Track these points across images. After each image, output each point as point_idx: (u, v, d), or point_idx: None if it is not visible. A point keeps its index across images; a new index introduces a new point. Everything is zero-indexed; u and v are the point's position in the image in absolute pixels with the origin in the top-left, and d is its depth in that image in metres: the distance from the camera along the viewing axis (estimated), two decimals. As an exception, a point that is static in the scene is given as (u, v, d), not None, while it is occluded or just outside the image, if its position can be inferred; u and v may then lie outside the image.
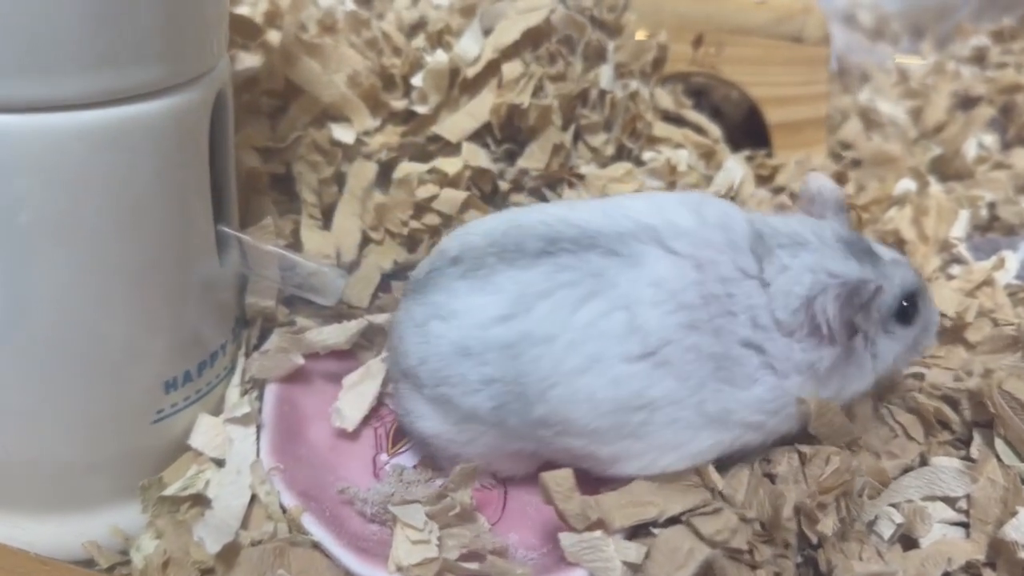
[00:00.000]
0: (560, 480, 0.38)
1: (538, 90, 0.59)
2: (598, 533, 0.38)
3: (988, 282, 0.53)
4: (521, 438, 0.42)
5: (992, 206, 0.68)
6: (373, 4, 0.68)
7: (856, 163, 0.74)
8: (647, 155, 0.64)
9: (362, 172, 0.57)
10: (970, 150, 0.73)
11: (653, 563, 0.36)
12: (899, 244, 0.56)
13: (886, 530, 0.42)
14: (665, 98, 0.70)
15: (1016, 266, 0.56)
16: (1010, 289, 0.54)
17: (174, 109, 0.40)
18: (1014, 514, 0.42)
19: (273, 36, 0.58)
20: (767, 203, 0.61)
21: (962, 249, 0.56)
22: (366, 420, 0.49)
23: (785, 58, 0.70)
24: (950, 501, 0.44)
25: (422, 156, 0.59)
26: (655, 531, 0.39)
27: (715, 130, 0.68)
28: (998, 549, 0.42)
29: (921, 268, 0.54)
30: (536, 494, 0.41)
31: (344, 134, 0.57)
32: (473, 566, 0.38)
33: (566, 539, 0.38)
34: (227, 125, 0.47)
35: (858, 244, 0.42)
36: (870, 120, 0.77)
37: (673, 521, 0.39)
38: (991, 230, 0.68)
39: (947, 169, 0.74)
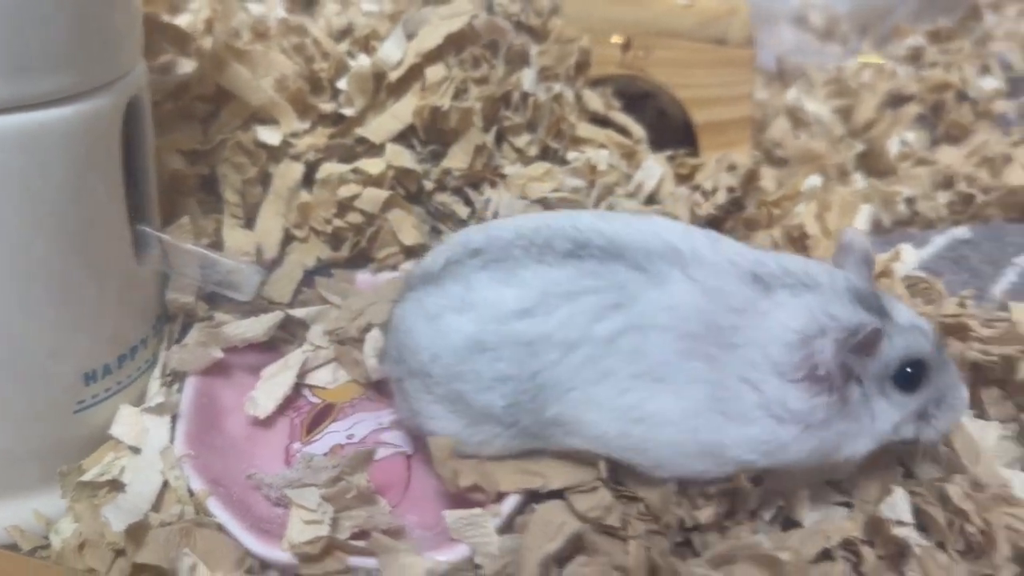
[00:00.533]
0: (442, 445, 0.41)
1: (461, 93, 0.61)
2: (478, 510, 0.40)
3: (886, 273, 0.55)
4: (534, 437, 0.42)
5: (911, 201, 0.70)
6: (309, 10, 0.70)
7: (783, 161, 0.76)
8: (571, 155, 0.66)
9: (288, 173, 0.59)
10: (893, 147, 0.76)
11: (529, 535, 0.39)
12: (803, 238, 0.59)
13: (767, 511, 0.45)
14: (595, 100, 0.72)
15: (914, 259, 0.58)
16: (909, 280, 0.56)
17: (84, 115, 0.42)
18: (889, 493, 0.44)
19: (205, 42, 0.60)
20: (685, 200, 0.63)
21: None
22: (283, 411, 0.52)
23: (710, 60, 0.73)
24: (834, 483, 0.47)
25: (350, 157, 0.61)
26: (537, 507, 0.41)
27: (639, 131, 0.70)
28: (876, 527, 0.44)
29: (823, 260, 0.56)
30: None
31: (270, 136, 0.59)
32: (359, 543, 0.40)
33: (449, 516, 0.40)
34: (144, 130, 0.49)
35: (870, 298, 0.41)
36: (798, 119, 0.80)
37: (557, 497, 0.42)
38: (912, 224, 0.71)
39: (874, 166, 0.76)
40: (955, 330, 0.51)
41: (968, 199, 0.68)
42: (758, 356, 0.39)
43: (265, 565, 0.42)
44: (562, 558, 0.39)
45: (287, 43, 0.63)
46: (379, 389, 0.53)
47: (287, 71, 0.61)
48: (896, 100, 0.86)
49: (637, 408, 0.40)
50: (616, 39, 0.72)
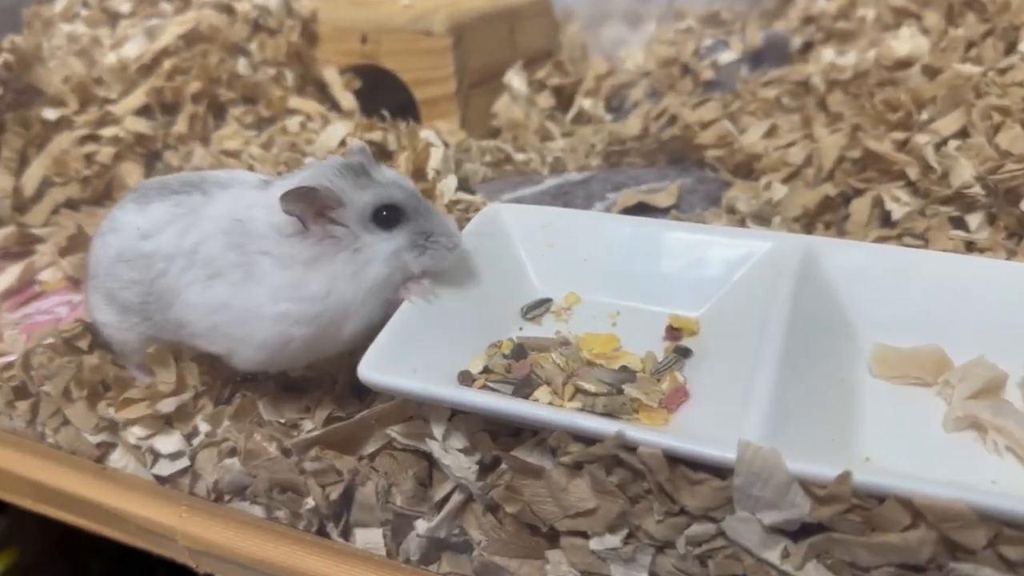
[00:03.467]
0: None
1: (180, 75, 0.84)
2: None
3: (434, 195, 0.72)
4: (168, 332, 0.55)
5: (558, 160, 0.85)
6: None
7: (497, 130, 0.93)
8: (284, 122, 0.87)
9: (65, 139, 0.84)
10: (571, 114, 0.91)
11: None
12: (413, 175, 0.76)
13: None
14: (337, 83, 0.93)
15: (453, 186, 0.74)
16: (459, 203, 0.72)
17: None
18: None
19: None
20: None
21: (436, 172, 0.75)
22: (12, 295, 0.76)
23: (421, 49, 0.91)
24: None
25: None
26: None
27: (350, 105, 0.90)
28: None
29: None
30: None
31: (51, 114, 0.84)
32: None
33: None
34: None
35: (355, 168, 0.51)
36: (513, 95, 0.95)
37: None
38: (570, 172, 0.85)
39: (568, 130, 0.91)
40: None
41: (591, 148, 0.83)
42: (264, 228, 0.50)
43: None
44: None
45: (79, 48, 0.89)
46: (76, 283, 0.76)
47: (76, 70, 0.87)
48: (644, 74, 0.99)
49: (211, 301, 0.51)
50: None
